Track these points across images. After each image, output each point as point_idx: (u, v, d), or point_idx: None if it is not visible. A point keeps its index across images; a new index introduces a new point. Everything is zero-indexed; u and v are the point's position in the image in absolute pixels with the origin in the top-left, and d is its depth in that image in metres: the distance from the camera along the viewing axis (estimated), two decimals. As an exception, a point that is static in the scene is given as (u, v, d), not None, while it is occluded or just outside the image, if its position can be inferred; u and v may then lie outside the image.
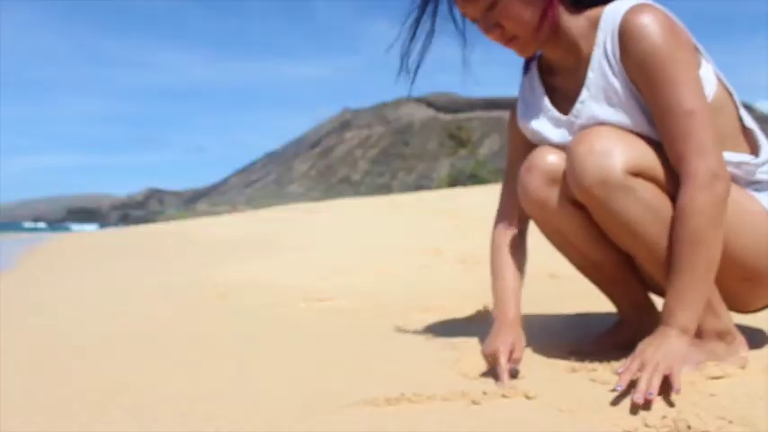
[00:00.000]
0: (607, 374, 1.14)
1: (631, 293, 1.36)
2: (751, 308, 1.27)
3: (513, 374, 1.17)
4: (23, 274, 4.97)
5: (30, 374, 1.38)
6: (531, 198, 1.25)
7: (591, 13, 1.20)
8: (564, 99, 1.26)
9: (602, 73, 1.17)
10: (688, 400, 0.97)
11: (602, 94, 1.17)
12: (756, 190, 1.19)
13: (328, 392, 1.13)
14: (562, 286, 2.24)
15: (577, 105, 1.21)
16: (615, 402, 0.99)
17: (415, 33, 1.27)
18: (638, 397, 0.95)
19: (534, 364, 1.26)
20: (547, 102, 1.29)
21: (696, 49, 1.16)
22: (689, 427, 0.87)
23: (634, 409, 0.95)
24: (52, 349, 1.65)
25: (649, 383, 0.96)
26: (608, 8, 1.17)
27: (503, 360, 1.16)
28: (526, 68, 1.36)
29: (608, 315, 1.54)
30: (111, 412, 1.08)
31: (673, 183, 1.10)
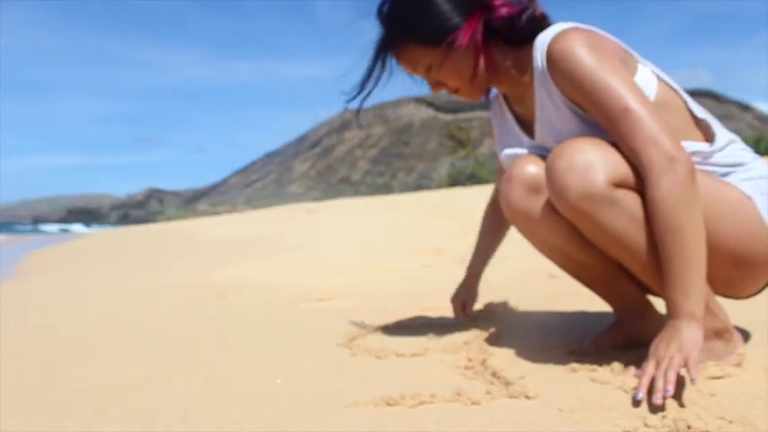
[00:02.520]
0: (607, 374, 1.14)
1: (624, 293, 1.35)
2: (748, 293, 1.27)
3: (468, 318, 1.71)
4: (22, 274, 4.97)
5: (30, 374, 1.38)
6: (513, 208, 1.28)
7: (526, 46, 1.27)
8: (525, 124, 1.37)
9: (541, 99, 1.25)
10: (688, 400, 0.97)
11: (547, 117, 1.25)
12: (724, 175, 1.21)
13: (328, 392, 1.13)
14: (561, 286, 2.24)
15: (537, 130, 1.30)
16: (615, 402, 0.99)
17: (369, 79, 1.37)
18: (657, 398, 0.94)
19: (534, 364, 1.26)
20: (519, 131, 1.37)
21: (629, 56, 1.23)
22: (689, 427, 0.87)
23: (652, 409, 0.95)
24: (52, 349, 1.65)
25: (665, 381, 0.95)
26: (537, 40, 1.24)
27: (457, 314, 1.72)
28: (487, 97, 1.44)
29: (607, 314, 1.54)
30: (111, 412, 1.08)
31: None
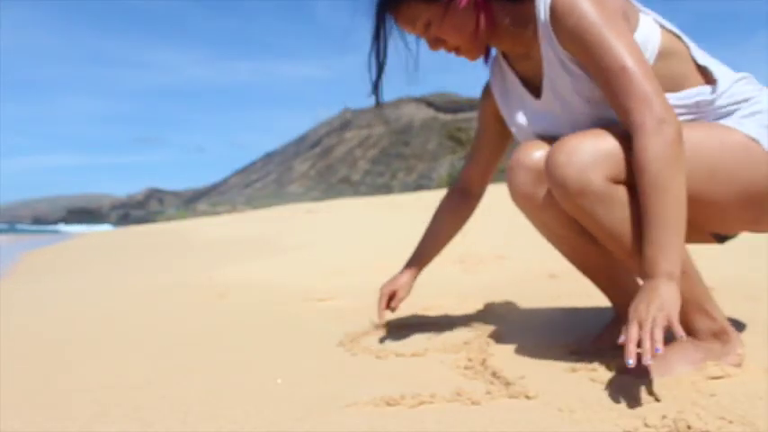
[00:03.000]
0: (607, 374, 1.14)
1: (620, 282, 1.38)
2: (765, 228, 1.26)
3: (393, 310, 1.59)
4: (23, 274, 4.97)
5: (30, 374, 1.38)
6: (517, 193, 1.31)
7: (526, 2, 1.26)
8: (528, 82, 1.35)
9: (547, 54, 1.24)
10: (688, 400, 0.97)
11: (555, 70, 1.24)
12: (728, 114, 1.21)
13: (328, 392, 1.13)
14: (561, 286, 2.24)
15: (545, 86, 1.28)
16: (615, 402, 0.99)
17: (377, 54, 1.36)
18: (647, 359, 0.94)
19: (534, 364, 1.26)
20: (524, 90, 1.35)
21: (631, 7, 1.22)
22: (689, 427, 0.87)
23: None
24: (52, 349, 1.65)
25: (653, 341, 0.96)
26: None
27: (381, 303, 1.56)
28: (486, 58, 1.41)
29: (606, 311, 1.54)
30: (111, 412, 1.08)
31: None
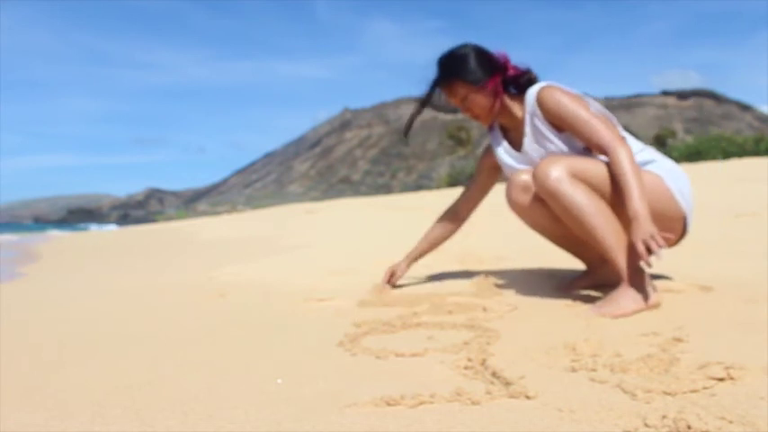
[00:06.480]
0: (606, 374, 1.14)
1: (590, 252, 2.11)
2: (668, 243, 1.96)
3: (392, 285, 2.40)
4: (21, 274, 4.97)
5: (30, 374, 1.38)
6: (512, 201, 2.08)
7: (520, 96, 2.06)
8: (515, 144, 2.12)
9: (530, 127, 2.02)
10: (688, 400, 0.97)
11: (532, 138, 2.02)
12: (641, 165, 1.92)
13: (328, 392, 1.13)
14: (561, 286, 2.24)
15: (524, 146, 2.05)
16: (615, 402, 0.99)
17: (422, 108, 2.17)
18: (655, 259, 1.66)
19: (534, 364, 1.26)
20: (509, 148, 2.14)
21: (584, 97, 1.96)
22: (689, 427, 0.87)
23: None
24: (52, 349, 1.65)
25: (658, 244, 1.64)
26: (527, 93, 2.02)
27: (384, 278, 2.41)
28: (491, 128, 2.21)
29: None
30: (111, 412, 1.08)
31: (600, 181, 1.83)
